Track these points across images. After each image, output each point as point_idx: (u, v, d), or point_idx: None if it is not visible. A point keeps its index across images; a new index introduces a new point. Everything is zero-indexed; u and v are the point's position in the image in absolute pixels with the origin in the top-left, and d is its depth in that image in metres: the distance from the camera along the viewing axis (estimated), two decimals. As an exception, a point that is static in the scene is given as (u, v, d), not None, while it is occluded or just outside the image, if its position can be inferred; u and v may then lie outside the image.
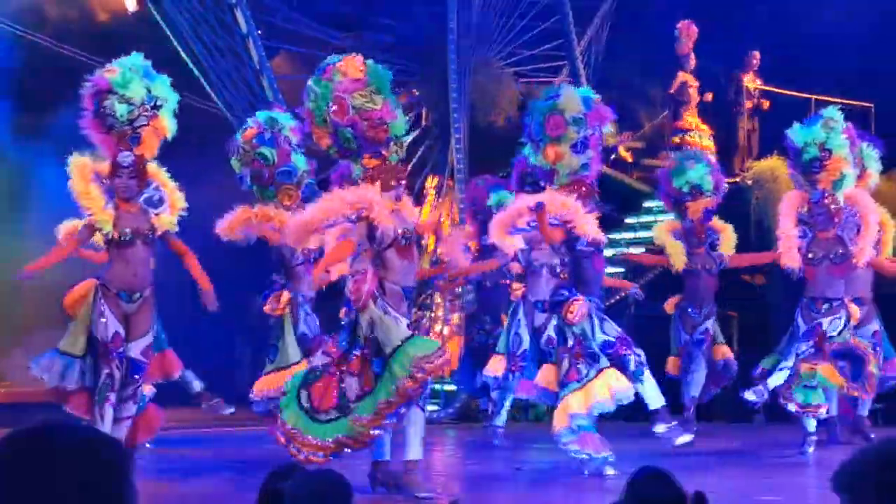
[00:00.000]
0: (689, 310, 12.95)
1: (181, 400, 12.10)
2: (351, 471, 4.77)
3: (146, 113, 9.10)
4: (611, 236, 17.22)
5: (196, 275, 9.33)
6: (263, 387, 10.82)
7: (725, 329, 16.46)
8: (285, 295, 10.80)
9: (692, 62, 17.88)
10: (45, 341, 9.52)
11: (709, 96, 17.95)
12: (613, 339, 9.74)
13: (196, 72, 15.05)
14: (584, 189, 9.84)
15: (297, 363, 10.52)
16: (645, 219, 17.47)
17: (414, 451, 8.19)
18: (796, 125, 11.02)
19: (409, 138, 13.96)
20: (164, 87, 9.26)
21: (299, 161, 11.11)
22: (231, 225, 10.88)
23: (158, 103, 9.19)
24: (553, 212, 9.41)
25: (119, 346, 8.94)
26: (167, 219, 9.23)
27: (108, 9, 15.70)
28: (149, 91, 9.15)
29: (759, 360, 12.35)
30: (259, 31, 15.34)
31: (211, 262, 9.73)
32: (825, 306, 10.76)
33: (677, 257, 12.80)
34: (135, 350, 9.04)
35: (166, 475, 9.29)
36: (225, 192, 15.14)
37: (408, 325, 8.07)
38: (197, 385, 11.56)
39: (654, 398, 9.82)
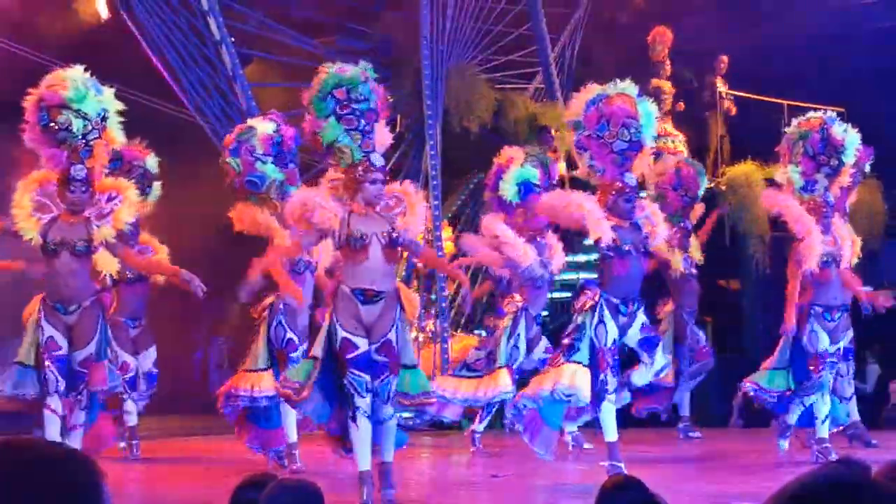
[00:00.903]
0: (685, 314, 13.06)
1: (158, 408, 12.06)
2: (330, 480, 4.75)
3: (98, 126, 9.12)
4: (586, 242, 17.28)
5: (166, 272, 9.52)
6: (224, 388, 10.63)
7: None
8: (266, 300, 10.75)
9: (667, 69, 17.92)
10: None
11: (680, 106, 18.01)
12: (609, 348, 9.25)
13: (169, 79, 15.00)
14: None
15: (264, 370, 10.42)
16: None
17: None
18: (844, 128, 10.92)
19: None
20: (110, 99, 9.29)
21: (267, 169, 10.95)
22: (240, 220, 10.88)
23: (107, 115, 9.22)
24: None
25: (54, 350, 8.92)
26: (106, 230, 9.07)
27: (81, 16, 15.63)
28: (99, 104, 9.17)
29: (732, 364, 12.39)
30: (232, 39, 15.30)
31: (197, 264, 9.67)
32: (838, 315, 10.62)
33: (678, 261, 12.89)
34: (75, 360, 9.00)
35: (135, 484, 9.25)
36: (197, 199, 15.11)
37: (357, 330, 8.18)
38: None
39: (610, 430, 9.28)
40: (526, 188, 12.02)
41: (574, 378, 9.13)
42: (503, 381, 11.78)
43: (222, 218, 17.54)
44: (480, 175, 13.23)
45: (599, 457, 9.67)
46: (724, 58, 17.92)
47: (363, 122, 8.42)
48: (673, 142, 17.72)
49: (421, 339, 15.26)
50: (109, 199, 9.18)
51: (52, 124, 9.01)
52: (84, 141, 9.05)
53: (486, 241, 12.12)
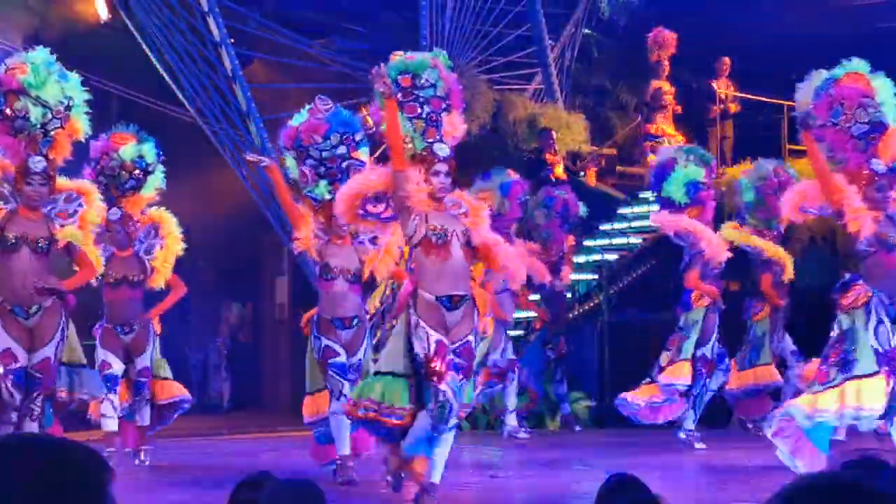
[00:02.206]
0: (778, 317, 13.02)
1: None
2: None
3: (59, 116, 8.34)
4: (585, 243, 17.29)
5: (73, 283, 8.45)
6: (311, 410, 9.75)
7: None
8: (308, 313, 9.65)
9: (666, 69, 17.92)
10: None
11: (678, 108, 18.01)
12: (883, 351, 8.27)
13: (168, 80, 15.01)
14: None
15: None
16: (619, 225, 17.49)
17: None
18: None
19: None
20: (75, 87, 8.50)
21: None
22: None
23: (71, 104, 8.42)
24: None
25: (11, 364, 8.10)
26: (71, 231, 8.40)
27: (80, 18, 15.64)
28: (63, 91, 8.40)
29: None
30: (232, 40, 15.31)
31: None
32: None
33: (790, 263, 12.82)
34: (31, 363, 8.20)
35: (134, 485, 9.25)
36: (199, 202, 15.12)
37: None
38: None
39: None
40: (694, 188, 11.96)
41: (861, 396, 8.16)
42: (683, 374, 11.69)
43: (223, 219, 17.60)
44: (478, 175, 13.17)
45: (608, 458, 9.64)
46: (727, 59, 17.90)
47: (427, 109, 7.91)
48: (669, 142, 17.72)
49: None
50: (68, 200, 8.53)
51: (8, 111, 8.24)
52: (43, 131, 8.30)
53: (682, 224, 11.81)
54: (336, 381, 9.00)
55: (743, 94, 18.09)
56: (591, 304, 16.62)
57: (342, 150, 9.31)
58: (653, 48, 17.89)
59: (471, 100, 16.99)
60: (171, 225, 10.69)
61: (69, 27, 15.51)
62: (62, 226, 8.39)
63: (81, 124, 8.48)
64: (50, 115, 8.29)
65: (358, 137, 9.42)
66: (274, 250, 18.86)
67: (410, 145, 7.86)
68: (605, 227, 17.69)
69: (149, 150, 10.41)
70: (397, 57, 8.06)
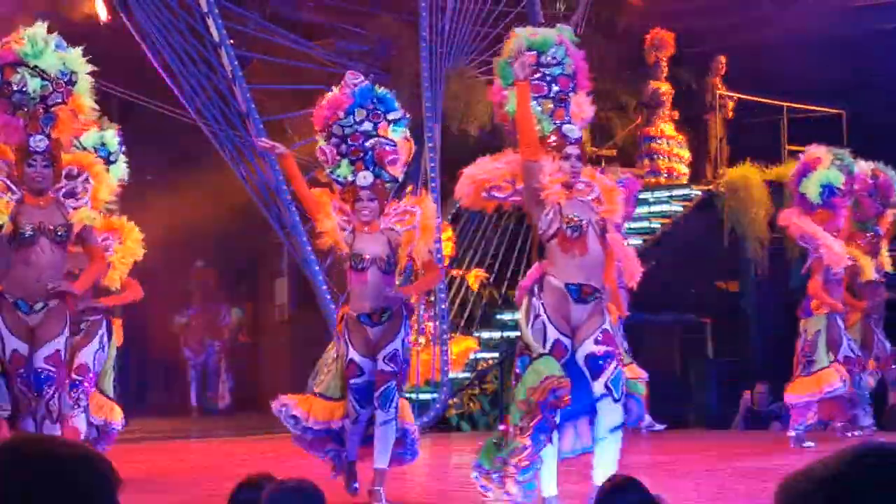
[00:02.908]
0: (872, 321, 13.06)
1: (155, 410, 12.08)
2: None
3: (61, 89, 7.67)
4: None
5: (83, 283, 7.81)
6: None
7: (699, 336, 16.54)
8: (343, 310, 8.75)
9: (665, 70, 17.92)
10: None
11: (674, 114, 18.01)
12: None
13: (168, 81, 15.00)
14: None
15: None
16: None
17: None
18: None
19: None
20: (78, 61, 7.85)
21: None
22: None
23: (74, 79, 7.76)
24: None
25: (20, 367, 7.41)
26: (85, 213, 7.65)
27: (80, 19, 15.64)
28: (64, 64, 7.74)
29: (731, 366, 12.40)
30: (231, 41, 15.30)
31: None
32: None
33: (869, 268, 12.81)
34: (38, 359, 7.43)
35: (132, 485, 9.24)
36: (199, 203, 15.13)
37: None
38: None
39: None
40: (829, 191, 11.94)
41: None
42: (833, 378, 11.65)
43: (222, 220, 17.58)
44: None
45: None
46: (722, 58, 17.88)
47: (556, 87, 7.43)
48: (668, 143, 17.74)
49: (422, 341, 15.25)
50: (69, 176, 7.74)
51: (5, 86, 7.60)
52: (44, 106, 7.62)
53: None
54: (352, 406, 8.05)
55: (738, 94, 18.10)
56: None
57: (367, 126, 8.44)
58: (650, 49, 17.90)
59: (470, 101, 17.02)
60: (132, 232, 10.00)
61: (69, 28, 15.49)
62: (74, 209, 7.64)
63: (86, 101, 7.87)
64: (50, 88, 7.66)
65: (392, 116, 8.60)
66: (274, 251, 18.86)
67: (538, 127, 7.29)
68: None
69: (110, 139, 9.63)
70: (520, 33, 7.57)
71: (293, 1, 17.49)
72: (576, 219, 7.08)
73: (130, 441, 12.32)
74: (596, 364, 6.99)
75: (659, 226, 17.03)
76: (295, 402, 8.29)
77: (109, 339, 9.64)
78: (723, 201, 16.82)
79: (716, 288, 16.95)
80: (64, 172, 7.72)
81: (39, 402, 7.39)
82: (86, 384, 9.29)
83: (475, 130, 16.99)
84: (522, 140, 7.19)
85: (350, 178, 8.27)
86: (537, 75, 7.36)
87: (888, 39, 16.99)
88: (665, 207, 17.31)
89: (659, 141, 17.65)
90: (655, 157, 17.62)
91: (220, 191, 17.35)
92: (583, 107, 7.58)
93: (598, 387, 6.99)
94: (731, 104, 17.82)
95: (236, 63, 15.10)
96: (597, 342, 7.00)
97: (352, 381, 8.03)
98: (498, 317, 16.89)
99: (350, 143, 8.37)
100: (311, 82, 15.56)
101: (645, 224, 17.08)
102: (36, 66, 7.61)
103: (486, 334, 16.16)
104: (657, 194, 17.47)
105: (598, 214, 7.20)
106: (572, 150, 7.12)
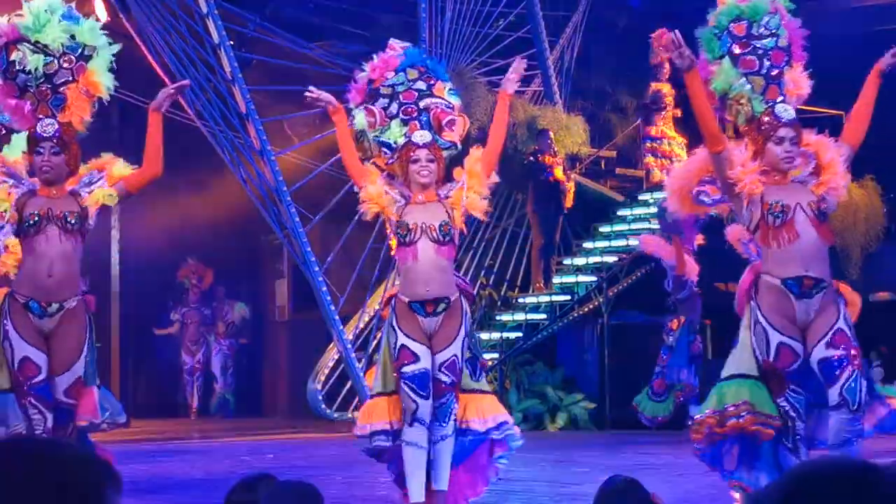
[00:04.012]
0: None
1: (153, 411, 12.08)
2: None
3: (69, 65, 6.86)
4: (584, 245, 17.30)
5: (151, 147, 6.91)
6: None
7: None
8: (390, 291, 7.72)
9: (666, 71, 17.89)
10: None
11: (677, 112, 17.96)
12: None
13: (168, 82, 15.01)
14: None
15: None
16: (618, 227, 17.49)
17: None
18: None
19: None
20: (93, 33, 7.01)
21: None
22: None
23: (86, 52, 6.94)
24: None
25: (34, 377, 6.58)
26: (101, 192, 6.83)
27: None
28: (72, 37, 6.91)
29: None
30: (231, 42, 15.31)
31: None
32: None
33: None
34: (58, 391, 6.63)
35: (131, 487, 9.24)
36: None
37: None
38: None
39: None
40: None
41: None
42: None
43: (222, 221, 17.58)
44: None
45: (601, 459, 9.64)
46: (720, 61, 17.84)
47: (767, 63, 6.67)
48: (669, 144, 17.71)
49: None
50: (89, 184, 6.89)
51: (10, 66, 6.86)
52: (51, 86, 6.85)
53: None
54: (408, 398, 6.82)
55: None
56: (591, 306, 16.63)
57: (421, 84, 7.32)
58: (656, 50, 17.85)
59: (470, 102, 17.03)
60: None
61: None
62: (90, 192, 6.82)
63: (102, 78, 6.94)
64: (56, 65, 6.85)
65: (446, 86, 7.42)
66: (274, 252, 18.88)
67: (747, 107, 6.62)
68: (604, 229, 17.69)
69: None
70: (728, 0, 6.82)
71: (293, 2, 17.51)
72: (778, 204, 6.38)
73: (131, 442, 12.32)
74: (830, 370, 6.30)
75: (659, 226, 17.01)
76: (359, 418, 7.11)
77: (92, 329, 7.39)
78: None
79: (715, 289, 16.87)
80: (85, 180, 6.88)
81: (64, 433, 6.56)
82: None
83: (475, 131, 16.99)
84: (704, 131, 6.55)
85: (401, 142, 7.12)
86: (747, 49, 6.66)
87: (889, 40, 16.98)
88: (664, 208, 17.28)
89: (660, 142, 17.64)
90: (657, 157, 17.60)
91: (219, 192, 17.37)
92: (799, 83, 6.75)
93: (832, 395, 6.32)
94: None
95: (236, 64, 15.11)
96: (829, 345, 6.30)
97: (405, 368, 6.84)
98: (497, 318, 16.89)
99: (403, 101, 7.26)
100: (310, 83, 15.59)
101: (644, 225, 17.07)
102: (38, 42, 6.83)
103: (485, 335, 16.15)
104: (657, 195, 17.45)
105: (813, 194, 6.46)
106: (786, 132, 6.47)
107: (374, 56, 7.43)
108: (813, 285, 6.31)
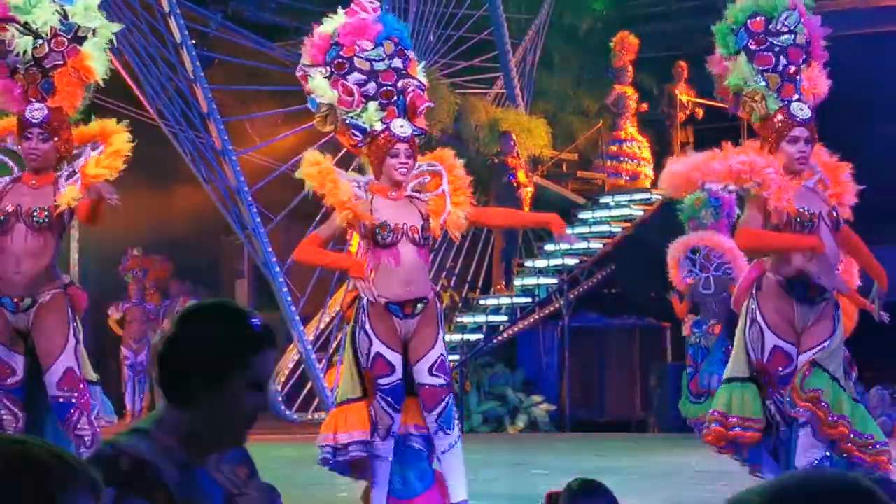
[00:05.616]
0: None
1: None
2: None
3: (60, 48, 6.58)
4: (546, 248, 17.31)
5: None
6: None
7: (658, 340, 16.57)
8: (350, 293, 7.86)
9: (629, 75, 17.90)
10: None
11: (644, 106, 17.96)
12: None
13: (129, 81, 14.92)
14: None
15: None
16: (579, 230, 17.52)
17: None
18: None
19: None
20: (86, 14, 6.75)
21: None
22: None
23: (81, 34, 6.69)
24: None
25: (7, 377, 6.46)
26: (70, 192, 6.53)
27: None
28: (64, 17, 6.65)
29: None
30: (193, 41, 15.24)
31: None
32: None
33: None
34: (51, 387, 6.44)
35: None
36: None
37: None
38: None
39: None
40: None
41: None
42: None
43: (183, 221, 17.49)
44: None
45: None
46: (683, 63, 17.84)
47: (784, 60, 6.50)
48: (636, 146, 17.75)
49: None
50: (74, 174, 6.65)
51: (0, 45, 6.61)
52: (41, 69, 6.59)
53: None
54: (384, 412, 6.55)
55: (702, 101, 18.14)
56: (551, 309, 16.65)
57: (398, 63, 6.83)
58: (619, 53, 17.86)
59: (432, 103, 17.05)
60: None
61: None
62: (64, 190, 6.58)
63: (95, 63, 6.71)
64: (46, 48, 6.56)
65: (412, 56, 7.01)
66: (234, 252, 18.79)
67: (761, 105, 6.44)
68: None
69: None
70: None
71: (255, 2, 17.46)
72: (807, 213, 6.25)
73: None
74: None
75: (620, 230, 17.07)
76: (322, 431, 6.74)
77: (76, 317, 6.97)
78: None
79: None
80: (87, 150, 6.68)
81: (67, 430, 6.45)
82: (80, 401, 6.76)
83: (437, 132, 16.99)
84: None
85: (377, 128, 6.69)
86: (764, 45, 6.48)
87: (863, 45, 17.05)
88: (626, 211, 17.32)
89: (629, 144, 17.67)
90: (622, 160, 17.63)
91: (180, 191, 17.27)
92: (817, 82, 6.57)
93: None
94: (700, 111, 17.76)
95: (198, 63, 15.04)
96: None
97: (381, 381, 6.56)
98: (458, 319, 16.88)
99: (381, 82, 6.74)
100: (272, 83, 15.55)
101: (605, 228, 17.12)
102: (27, 22, 6.55)
103: (446, 337, 16.13)
104: (618, 198, 17.51)
105: (827, 204, 6.37)
106: (800, 131, 6.32)
107: (339, 9, 6.89)
108: (817, 294, 6.26)
